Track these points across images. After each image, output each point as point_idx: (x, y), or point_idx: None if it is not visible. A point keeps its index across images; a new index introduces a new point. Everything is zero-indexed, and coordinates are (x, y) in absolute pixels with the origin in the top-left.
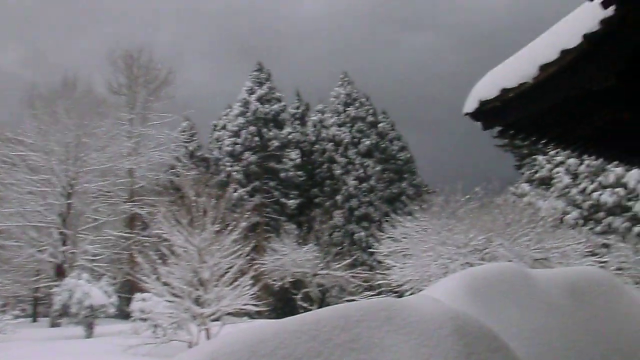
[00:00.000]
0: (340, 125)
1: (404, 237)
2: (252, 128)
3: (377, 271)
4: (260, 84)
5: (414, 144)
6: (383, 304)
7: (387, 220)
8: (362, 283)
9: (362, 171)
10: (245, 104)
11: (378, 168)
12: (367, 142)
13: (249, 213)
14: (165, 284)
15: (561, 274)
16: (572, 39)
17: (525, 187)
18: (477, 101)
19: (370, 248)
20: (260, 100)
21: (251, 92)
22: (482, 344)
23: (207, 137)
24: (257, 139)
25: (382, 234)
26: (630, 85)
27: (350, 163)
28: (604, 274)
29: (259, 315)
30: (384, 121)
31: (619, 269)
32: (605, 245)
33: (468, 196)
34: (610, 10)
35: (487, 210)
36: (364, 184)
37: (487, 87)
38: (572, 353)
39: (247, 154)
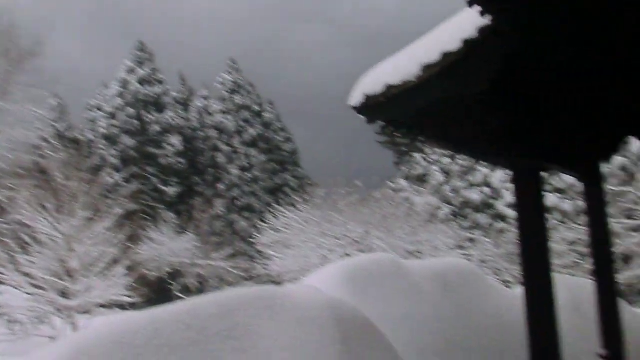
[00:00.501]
0: (225, 113)
1: (286, 228)
2: (130, 110)
3: (258, 261)
4: (141, 64)
5: (299, 137)
6: (262, 293)
7: (269, 211)
8: (242, 274)
9: (246, 161)
10: (124, 84)
11: (262, 158)
12: (252, 132)
13: (124, 200)
14: (26, 274)
15: (431, 265)
16: (453, 43)
17: (403, 183)
18: (363, 95)
19: (251, 238)
20: (141, 81)
21: (131, 71)
22: (358, 330)
23: (80, 117)
24: (136, 122)
25: (263, 224)
26: (500, 92)
27: (234, 152)
28: (469, 266)
29: (132, 307)
30: (270, 111)
31: (482, 261)
32: (471, 240)
33: (349, 189)
34: (488, 20)
35: (366, 203)
36: (248, 174)
37: (373, 82)
38: (440, 337)
39: (124, 138)
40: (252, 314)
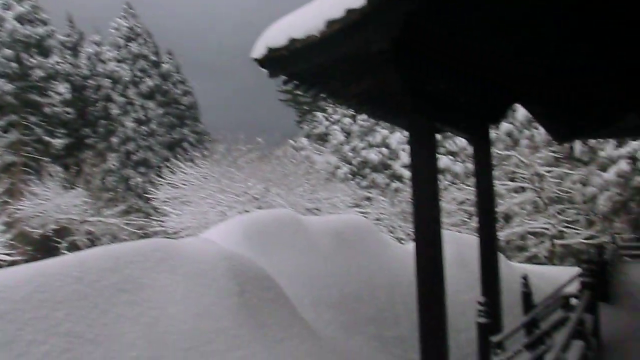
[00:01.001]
0: (119, 62)
1: (184, 184)
2: (7, 51)
3: (154, 218)
4: (20, 0)
5: (200, 90)
6: (156, 245)
7: (166, 166)
8: (137, 231)
9: (142, 113)
10: None
11: (159, 111)
12: (149, 83)
13: (2, 151)
14: None
15: (329, 222)
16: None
17: (304, 141)
18: (266, 48)
19: (147, 194)
20: (20, 19)
21: (7, 7)
22: (254, 283)
23: None
24: (14, 65)
25: (160, 179)
26: (400, 52)
27: (129, 103)
28: (365, 222)
29: (13, 266)
30: (169, 62)
31: (378, 219)
32: (368, 199)
33: (250, 146)
34: None
35: (266, 160)
36: (144, 127)
37: (277, 35)
38: (334, 290)
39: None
40: (146, 267)
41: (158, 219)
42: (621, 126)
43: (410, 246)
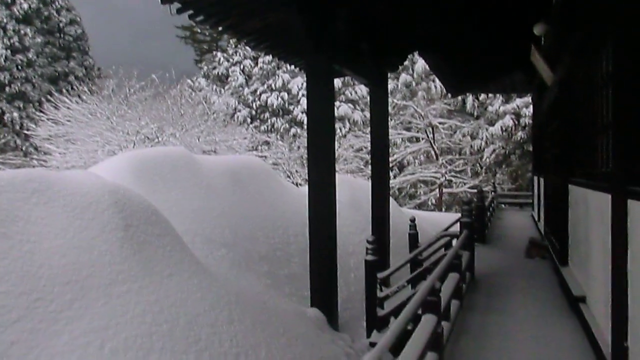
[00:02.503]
0: None
1: (68, 120)
2: None
3: (34, 157)
4: None
5: (88, 20)
6: (29, 176)
7: (49, 101)
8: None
9: (16, 39)
10: None
11: (39, 40)
12: (25, 5)
13: None
14: None
15: (224, 162)
16: None
17: (202, 81)
18: None
19: (27, 131)
20: None
21: None
22: (141, 218)
23: None
24: None
25: (42, 115)
26: None
27: (1, 27)
28: (261, 164)
29: None
30: None
31: (275, 163)
32: (267, 143)
33: (143, 83)
34: None
35: (161, 100)
36: (19, 56)
37: None
38: (228, 229)
39: None
40: (18, 198)
41: (39, 157)
42: (508, 82)
43: (306, 189)
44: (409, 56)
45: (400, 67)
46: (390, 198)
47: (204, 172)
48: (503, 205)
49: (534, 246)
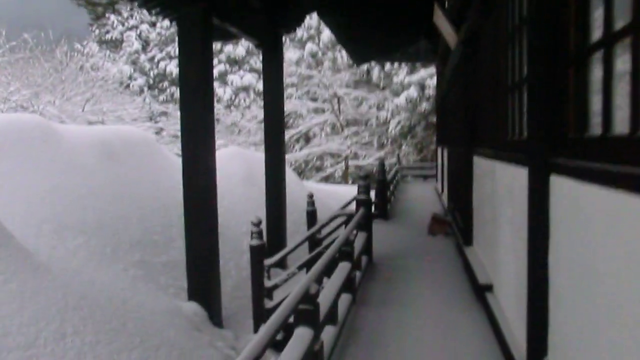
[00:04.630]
0: None
1: None
2: None
3: None
4: None
5: None
6: None
7: None
8: None
9: None
10: None
11: None
12: None
13: None
14: None
15: (94, 133)
16: None
17: (94, 46)
18: None
19: None
20: None
21: None
22: None
23: None
24: None
25: None
26: None
27: None
28: (142, 136)
29: None
30: None
31: (175, 136)
32: (165, 114)
33: (14, 43)
34: None
35: (38, 63)
36: None
37: None
38: (92, 211)
39: None
40: None
41: None
42: (412, 51)
43: None
44: (313, 24)
45: (305, 34)
46: (291, 171)
47: (65, 144)
48: (408, 178)
49: (436, 222)
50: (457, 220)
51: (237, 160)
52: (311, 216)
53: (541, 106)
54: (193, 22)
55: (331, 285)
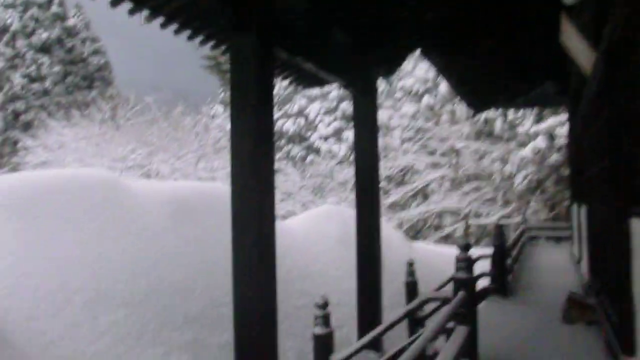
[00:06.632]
0: (7, 7)
1: (60, 147)
2: None
3: None
4: None
5: (113, 52)
6: None
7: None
8: None
9: (33, 68)
10: None
11: (56, 69)
12: (44, 35)
13: None
14: None
15: (169, 190)
16: None
17: (219, 108)
18: None
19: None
20: None
21: None
22: None
23: None
24: None
25: (36, 140)
26: None
27: (17, 56)
28: (227, 191)
29: None
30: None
31: (288, 193)
32: (276, 171)
33: (138, 107)
34: None
35: (155, 124)
36: (36, 84)
37: None
38: (144, 281)
39: None
40: None
41: None
42: (538, 94)
43: (293, 222)
44: (430, 77)
45: (422, 87)
46: (394, 231)
47: (132, 202)
48: (542, 239)
49: (574, 306)
50: (606, 308)
51: (333, 220)
52: (411, 288)
53: None
54: (246, 54)
55: None
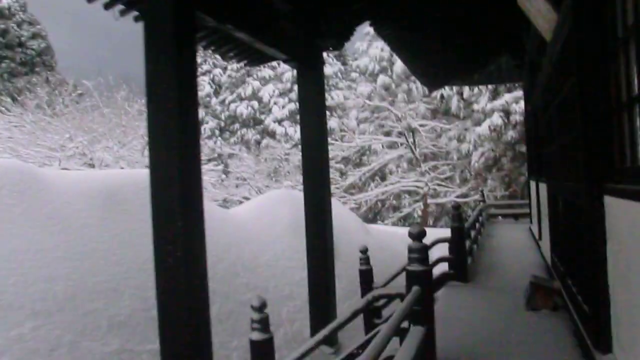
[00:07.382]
0: None
1: None
2: None
3: None
4: None
5: (62, 37)
6: None
7: None
8: None
9: None
10: None
11: None
12: None
13: None
14: None
15: (96, 178)
16: None
17: None
18: None
19: None
20: None
21: None
22: None
23: None
24: None
25: None
26: None
27: None
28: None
29: None
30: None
31: (242, 178)
32: (231, 156)
33: (77, 92)
34: None
35: (99, 110)
36: None
37: None
38: (64, 281)
39: None
40: None
41: None
42: (494, 70)
43: (242, 209)
44: (385, 56)
45: (377, 67)
46: (350, 214)
47: (52, 194)
48: (500, 217)
49: (538, 290)
50: (573, 293)
51: (287, 205)
52: (365, 277)
53: None
54: (161, 18)
55: None
